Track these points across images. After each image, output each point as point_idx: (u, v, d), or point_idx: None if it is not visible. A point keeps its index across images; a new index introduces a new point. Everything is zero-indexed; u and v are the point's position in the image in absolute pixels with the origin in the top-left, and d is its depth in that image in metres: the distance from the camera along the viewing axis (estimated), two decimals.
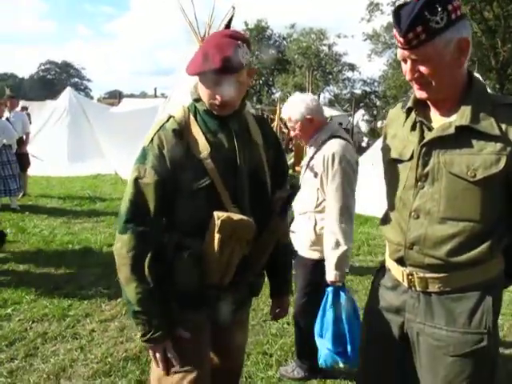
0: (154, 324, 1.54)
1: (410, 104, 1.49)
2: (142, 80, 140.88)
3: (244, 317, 1.87)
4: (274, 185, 1.69)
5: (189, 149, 1.54)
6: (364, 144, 22.33)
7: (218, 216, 1.48)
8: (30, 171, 8.62)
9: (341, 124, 22.37)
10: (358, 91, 40.76)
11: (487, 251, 1.38)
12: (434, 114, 1.45)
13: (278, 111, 16.68)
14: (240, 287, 1.66)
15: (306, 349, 2.72)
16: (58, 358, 2.97)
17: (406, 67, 1.38)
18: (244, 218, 1.51)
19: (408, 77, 1.39)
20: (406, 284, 1.50)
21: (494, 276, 1.43)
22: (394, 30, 1.35)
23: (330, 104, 37.35)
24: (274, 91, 43.07)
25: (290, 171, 12.98)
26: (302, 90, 25.81)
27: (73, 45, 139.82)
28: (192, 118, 1.60)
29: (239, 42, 1.49)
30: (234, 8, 11.53)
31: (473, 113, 1.35)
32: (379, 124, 30.01)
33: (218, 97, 1.51)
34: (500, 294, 1.49)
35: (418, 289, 1.46)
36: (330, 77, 41.21)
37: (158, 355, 1.58)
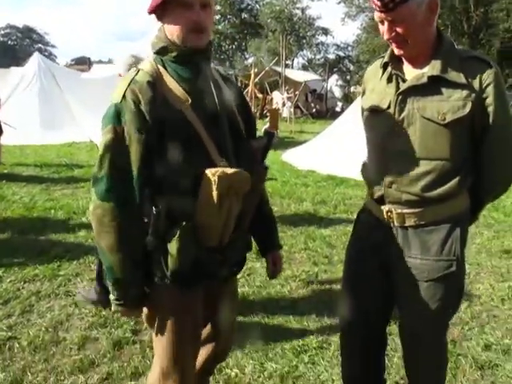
0: (130, 293, 1.51)
1: (386, 59, 1.65)
2: (110, 46, 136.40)
3: (235, 279, 1.85)
4: (247, 135, 1.65)
5: (166, 100, 1.43)
6: (338, 109, 22.53)
7: (213, 173, 1.39)
8: (2, 140, 8.48)
9: (315, 90, 22.47)
10: (331, 56, 40.62)
11: (456, 187, 1.58)
12: (407, 67, 1.62)
13: (252, 76, 16.68)
14: (237, 245, 1.60)
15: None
16: (54, 314, 3.10)
17: (384, 28, 1.53)
18: (238, 170, 1.44)
19: (386, 36, 1.54)
20: (386, 220, 1.69)
21: (462, 210, 1.65)
22: None
23: (304, 69, 37.18)
24: (247, 56, 42.46)
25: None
26: (276, 54, 25.64)
27: (34, 9, 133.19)
28: (162, 68, 1.49)
29: None
30: None
31: (442, 65, 1.52)
32: (352, 89, 30.19)
33: (194, 18, 1.42)
34: (466, 226, 1.70)
35: (396, 224, 1.66)
36: (304, 41, 40.85)
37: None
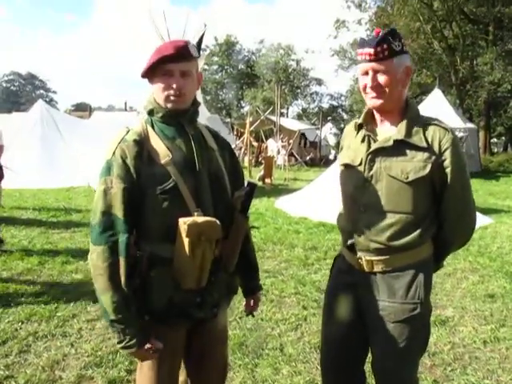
0: (128, 332, 1.60)
1: (360, 121, 1.90)
2: (110, 92, 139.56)
3: (224, 320, 1.92)
4: (232, 187, 1.80)
5: (150, 156, 1.62)
6: (331, 157, 23.04)
7: (184, 221, 1.55)
8: (2, 184, 8.66)
9: (303, 134, 22.86)
10: (325, 105, 41.89)
11: (418, 237, 1.78)
12: (379, 129, 1.86)
13: (247, 125, 17.17)
14: (216, 287, 1.73)
15: None
16: (51, 353, 3.20)
17: (367, 79, 1.77)
18: (208, 218, 1.60)
19: (369, 84, 1.76)
20: (356, 266, 1.88)
21: (425, 258, 1.84)
22: (362, 49, 1.74)
23: (299, 118, 38.15)
24: (244, 105, 43.62)
25: (260, 183, 13.23)
26: (271, 104, 26.44)
27: (35, 54, 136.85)
28: (150, 128, 1.69)
29: (190, 42, 1.67)
30: (205, 26, 11.91)
31: (407, 129, 1.76)
32: None
33: (173, 85, 1.61)
34: (430, 272, 1.88)
35: (365, 270, 1.85)
36: (298, 91, 42.22)
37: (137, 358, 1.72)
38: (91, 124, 14.28)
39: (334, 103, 43.42)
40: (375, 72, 1.74)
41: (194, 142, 1.69)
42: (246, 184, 1.81)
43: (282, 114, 24.40)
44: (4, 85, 73.55)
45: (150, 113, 1.71)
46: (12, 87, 73.60)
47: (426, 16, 26.04)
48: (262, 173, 13.22)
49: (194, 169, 1.66)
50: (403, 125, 1.77)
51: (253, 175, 14.41)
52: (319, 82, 42.70)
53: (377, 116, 1.86)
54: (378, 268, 1.82)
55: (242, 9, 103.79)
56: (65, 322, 3.73)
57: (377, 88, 1.75)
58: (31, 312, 3.87)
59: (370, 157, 1.81)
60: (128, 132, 1.67)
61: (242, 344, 3.40)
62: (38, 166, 11.58)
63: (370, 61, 1.73)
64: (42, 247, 5.92)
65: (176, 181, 1.61)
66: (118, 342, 1.63)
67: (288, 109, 41.44)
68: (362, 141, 1.87)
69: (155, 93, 1.68)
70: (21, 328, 3.60)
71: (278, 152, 18.23)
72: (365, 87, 1.78)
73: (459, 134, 17.23)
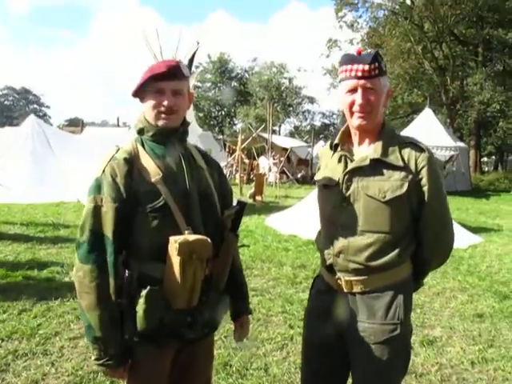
0: (109, 352, 1.60)
1: (336, 141, 1.89)
2: (103, 108, 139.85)
3: (211, 340, 1.90)
4: (221, 205, 1.80)
5: (140, 175, 1.62)
6: None
7: (175, 240, 1.53)
8: None
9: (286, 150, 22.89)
10: (317, 123, 42.18)
11: (397, 257, 1.76)
12: (355, 148, 1.86)
13: (239, 142, 17.25)
14: (208, 307, 1.71)
15: None
16: (30, 373, 3.13)
17: (356, 95, 1.73)
18: (199, 237, 1.58)
19: (358, 102, 1.72)
20: (335, 287, 1.85)
21: (405, 278, 1.82)
22: (351, 66, 1.72)
23: (291, 135, 38.39)
24: (236, 122, 43.90)
25: (251, 200, 13.19)
26: (263, 121, 26.62)
27: (29, 68, 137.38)
28: (140, 147, 1.69)
29: (181, 62, 1.71)
30: (198, 43, 12.02)
31: (383, 148, 1.76)
32: None
33: (164, 103, 1.63)
34: (410, 292, 1.86)
35: (344, 290, 1.82)
36: (291, 109, 42.54)
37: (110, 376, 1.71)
38: (82, 139, 14.27)
39: (326, 121, 43.79)
40: (364, 89, 1.73)
41: (183, 160, 1.69)
42: (235, 202, 1.79)
43: (274, 132, 24.54)
44: None
45: (140, 132, 1.71)
46: (6, 102, 73.69)
47: (416, 37, 26.53)
48: (252, 190, 13.21)
49: (184, 187, 1.66)
50: (379, 144, 1.77)
51: (244, 192, 14.39)
52: (311, 100, 43.10)
53: (354, 136, 1.86)
54: (357, 288, 1.79)
55: (236, 27, 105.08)
56: (46, 339, 3.65)
57: (366, 106, 1.73)
58: (12, 329, 3.78)
59: (347, 176, 1.80)
60: (118, 150, 1.67)
61: (226, 364, 3.34)
62: (28, 180, 11.52)
63: (361, 78, 1.72)
64: (28, 263, 5.83)
65: (166, 199, 1.60)
66: (96, 359, 1.62)
67: (280, 126, 41.78)
68: (339, 161, 1.85)
69: (146, 111, 1.69)
70: (1, 346, 3.52)
71: (270, 169, 18.27)
72: (352, 104, 1.75)
73: (450, 153, 17.40)
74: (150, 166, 1.64)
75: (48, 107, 74.87)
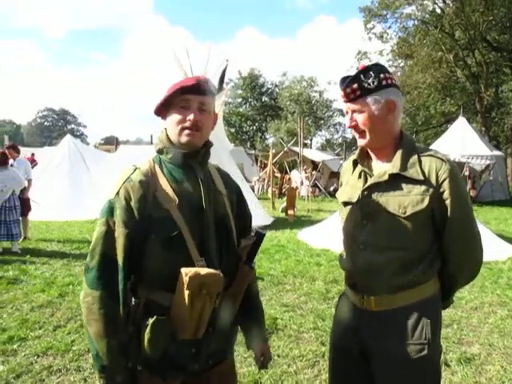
0: (117, 380, 1.53)
1: (355, 157, 1.86)
2: (137, 126, 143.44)
3: (227, 367, 1.77)
4: (238, 232, 1.72)
5: (156, 199, 1.54)
6: None
7: (186, 272, 1.46)
8: (30, 216, 8.89)
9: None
10: (349, 135, 41.83)
11: (421, 274, 1.70)
12: (374, 163, 1.82)
13: (270, 156, 17.28)
14: (214, 338, 1.63)
15: None
16: None
17: (347, 118, 1.78)
18: (211, 271, 1.50)
19: (347, 125, 1.78)
20: (359, 305, 1.80)
21: (431, 296, 1.74)
22: (341, 90, 1.73)
23: (323, 148, 38.25)
24: (268, 137, 44.11)
25: (283, 214, 13.14)
26: (294, 135, 26.64)
27: (66, 89, 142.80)
28: (158, 168, 1.61)
29: (210, 80, 1.64)
30: (227, 60, 12.18)
31: (402, 162, 1.70)
32: None
33: (190, 117, 1.55)
34: (438, 311, 1.78)
35: (368, 309, 1.76)
36: (322, 122, 42.41)
37: None
38: (116, 157, 14.57)
39: None
40: (352, 112, 1.73)
41: (202, 185, 1.61)
42: (254, 232, 1.70)
43: (305, 145, 24.48)
44: (38, 120, 76.94)
45: (160, 152, 1.65)
46: (46, 122, 76.86)
47: (447, 45, 26.08)
48: (284, 204, 13.18)
49: (200, 214, 1.59)
50: (398, 158, 1.72)
51: (276, 206, 14.37)
52: (342, 112, 42.82)
53: (371, 152, 1.83)
54: (380, 307, 1.74)
55: (265, 43, 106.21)
56: (80, 356, 3.71)
57: (356, 128, 1.74)
58: (47, 345, 3.87)
59: (366, 193, 1.76)
60: (135, 170, 1.59)
61: (256, 382, 3.31)
62: (65, 198, 11.84)
63: (346, 101, 1.73)
64: (63, 279, 5.97)
65: (181, 228, 1.53)
66: None
67: (311, 140, 41.67)
68: (359, 177, 1.83)
69: (169, 127, 1.62)
70: (36, 362, 3.60)
71: (302, 183, 18.20)
72: (350, 127, 1.78)
73: (486, 162, 16.89)
74: (167, 190, 1.57)
75: (85, 126, 77.70)
